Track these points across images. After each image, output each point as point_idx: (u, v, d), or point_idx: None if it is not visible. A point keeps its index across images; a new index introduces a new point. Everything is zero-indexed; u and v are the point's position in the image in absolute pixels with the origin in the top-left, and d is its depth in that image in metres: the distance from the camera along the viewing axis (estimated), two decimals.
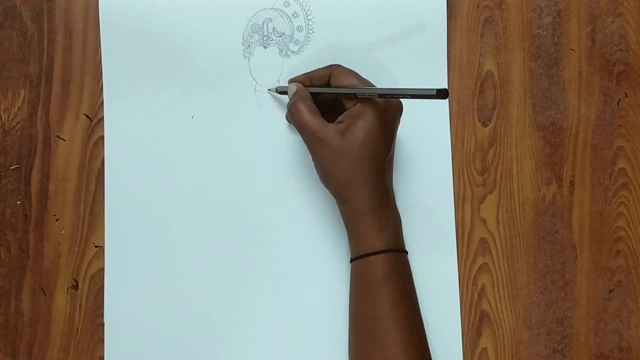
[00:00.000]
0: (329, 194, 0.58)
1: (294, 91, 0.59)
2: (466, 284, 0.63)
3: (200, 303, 0.62)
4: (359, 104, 0.55)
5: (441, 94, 0.47)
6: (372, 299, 0.54)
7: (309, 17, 0.63)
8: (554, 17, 0.65)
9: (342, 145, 0.54)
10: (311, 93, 0.58)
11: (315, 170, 0.57)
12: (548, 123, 0.64)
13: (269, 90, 0.63)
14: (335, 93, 0.57)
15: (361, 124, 0.54)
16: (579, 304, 0.63)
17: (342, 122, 0.55)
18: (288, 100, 0.60)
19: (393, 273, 0.54)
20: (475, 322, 0.63)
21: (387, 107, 0.55)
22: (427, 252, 0.62)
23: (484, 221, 0.64)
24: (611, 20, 0.65)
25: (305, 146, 0.57)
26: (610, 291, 0.64)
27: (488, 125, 0.64)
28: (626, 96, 0.65)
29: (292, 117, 0.57)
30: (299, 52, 0.63)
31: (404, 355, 0.53)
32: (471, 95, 0.64)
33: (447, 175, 0.63)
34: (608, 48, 0.65)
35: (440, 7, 0.64)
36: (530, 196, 0.64)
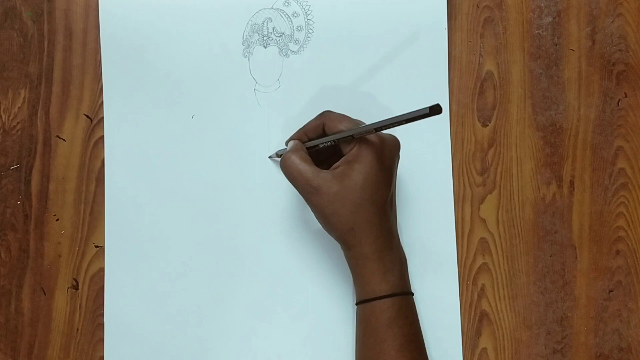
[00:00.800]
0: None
1: (289, 148, 0.58)
2: (466, 283, 0.63)
3: (200, 304, 0.62)
4: (355, 148, 0.54)
5: (434, 110, 0.46)
6: (378, 344, 0.54)
7: (308, 17, 0.63)
8: (554, 18, 0.65)
9: (340, 191, 0.53)
10: (310, 146, 0.58)
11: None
12: (548, 123, 0.64)
13: (270, 157, 0.62)
14: (332, 140, 0.56)
15: (358, 168, 0.53)
16: (578, 304, 0.63)
17: (337, 167, 0.54)
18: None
19: (399, 317, 0.54)
20: (475, 322, 0.63)
21: (383, 147, 0.54)
22: (427, 252, 0.62)
23: (483, 221, 0.64)
24: (611, 20, 0.65)
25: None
26: (610, 291, 0.64)
27: (488, 125, 0.64)
28: (626, 96, 0.65)
29: (284, 169, 0.56)
30: (299, 52, 0.63)
31: None
32: (471, 95, 0.64)
33: (447, 175, 0.63)
34: (608, 48, 0.65)
35: (441, 8, 0.64)
36: (530, 196, 0.64)
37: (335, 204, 0.53)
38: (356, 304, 0.56)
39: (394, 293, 0.54)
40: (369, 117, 0.63)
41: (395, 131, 0.62)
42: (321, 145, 0.57)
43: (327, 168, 0.56)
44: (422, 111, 0.47)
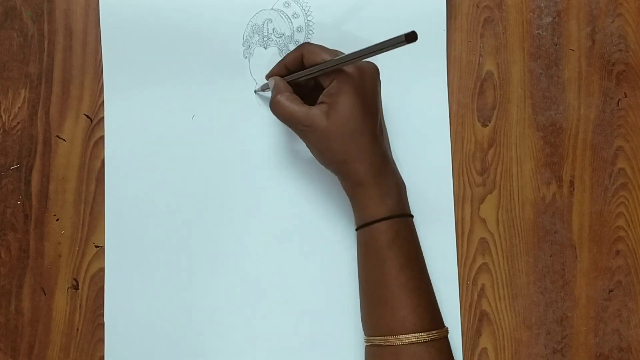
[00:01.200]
0: (330, 174, 0.58)
1: (273, 86, 0.59)
2: (466, 283, 0.63)
3: (201, 303, 0.62)
4: (335, 81, 0.55)
5: (410, 38, 0.46)
6: (378, 265, 0.55)
7: (308, 18, 0.64)
8: (554, 18, 0.65)
9: (329, 126, 0.55)
10: (290, 80, 0.59)
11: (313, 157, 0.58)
12: (548, 123, 0.64)
13: (256, 91, 0.63)
14: (310, 74, 0.57)
15: (342, 100, 0.54)
16: (578, 304, 0.63)
17: (323, 102, 0.56)
18: None
19: (397, 238, 0.55)
20: (475, 322, 0.63)
21: (362, 76, 0.55)
22: (426, 252, 0.62)
23: (483, 221, 0.64)
24: (611, 20, 0.65)
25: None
26: (610, 291, 0.64)
27: (488, 125, 0.64)
28: (626, 96, 0.65)
29: (275, 113, 0.57)
30: None
31: (412, 317, 0.53)
32: (471, 95, 0.64)
33: (447, 175, 0.63)
34: (608, 48, 0.65)
35: (440, 8, 0.64)
36: (530, 196, 0.64)
37: (327, 138, 0.55)
38: (356, 230, 0.57)
39: (392, 215, 0.55)
40: None
41: (396, 131, 0.62)
42: (301, 80, 0.58)
43: (311, 100, 0.57)
44: (398, 39, 0.47)
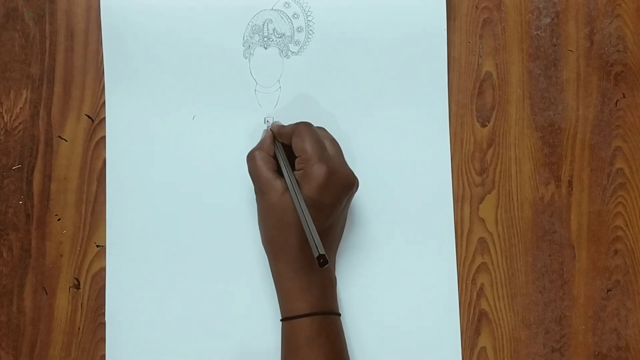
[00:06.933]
0: None
1: (262, 138, 0.60)
2: (465, 283, 0.63)
3: (202, 302, 0.62)
4: (302, 170, 0.55)
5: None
6: None
7: (309, 18, 0.64)
8: (552, 19, 0.65)
9: (275, 205, 0.54)
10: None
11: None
12: (546, 123, 0.65)
13: (267, 122, 0.63)
14: (282, 163, 0.56)
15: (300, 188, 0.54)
16: (577, 303, 0.64)
17: (294, 173, 0.55)
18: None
19: (319, 336, 0.54)
20: (474, 321, 0.63)
21: (329, 181, 0.54)
22: (426, 252, 0.62)
23: (482, 221, 0.64)
24: (609, 21, 0.65)
25: None
26: (608, 290, 0.64)
27: (487, 125, 0.65)
28: (624, 97, 0.65)
29: (247, 163, 0.58)
30: (299, 53, 0.64)
31: None
32: (470, 95, 0.65)
33: (446, 175, 0.64)
34: (606, 49, 0.65)
35: (440, 9, 0.64)
36: (529, 196, 0.64)
37: (267, 213, 0.56)
38: (280, 320, 0.57)
39: (312, 312, 0.54)
40: (369, 117, 0.63)
41: (396, 131, 0.62)
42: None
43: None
44: None
